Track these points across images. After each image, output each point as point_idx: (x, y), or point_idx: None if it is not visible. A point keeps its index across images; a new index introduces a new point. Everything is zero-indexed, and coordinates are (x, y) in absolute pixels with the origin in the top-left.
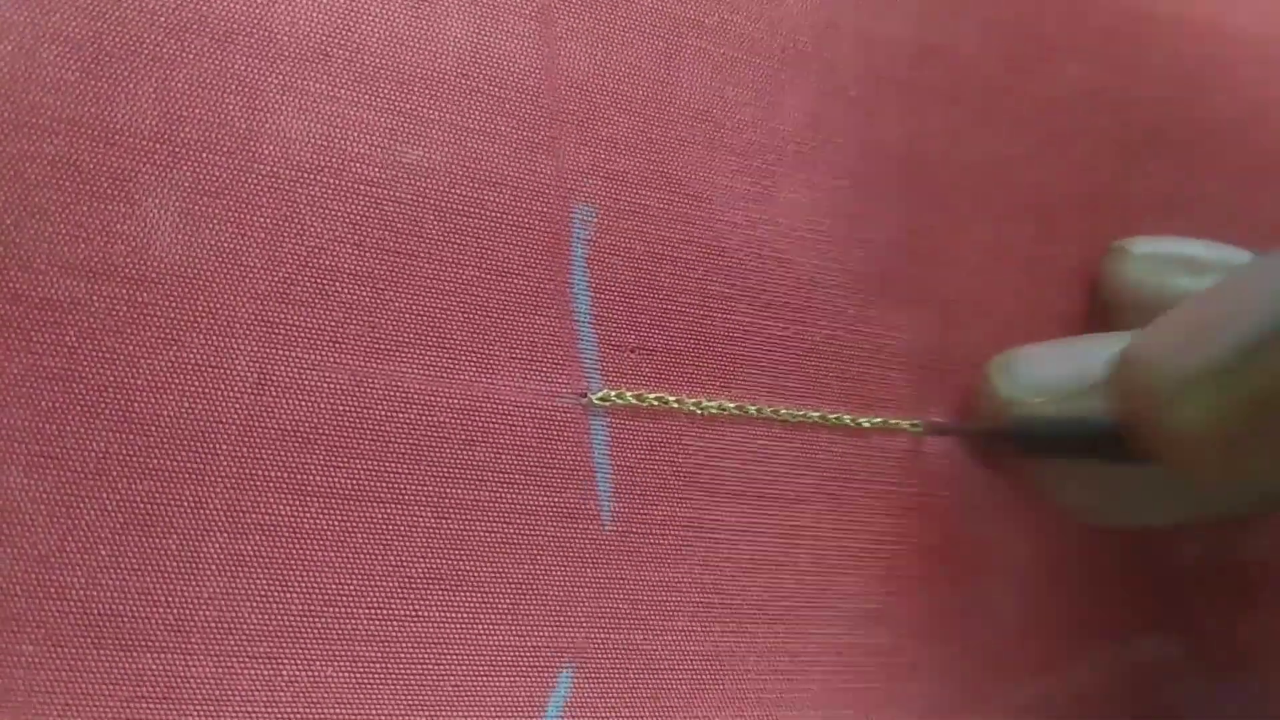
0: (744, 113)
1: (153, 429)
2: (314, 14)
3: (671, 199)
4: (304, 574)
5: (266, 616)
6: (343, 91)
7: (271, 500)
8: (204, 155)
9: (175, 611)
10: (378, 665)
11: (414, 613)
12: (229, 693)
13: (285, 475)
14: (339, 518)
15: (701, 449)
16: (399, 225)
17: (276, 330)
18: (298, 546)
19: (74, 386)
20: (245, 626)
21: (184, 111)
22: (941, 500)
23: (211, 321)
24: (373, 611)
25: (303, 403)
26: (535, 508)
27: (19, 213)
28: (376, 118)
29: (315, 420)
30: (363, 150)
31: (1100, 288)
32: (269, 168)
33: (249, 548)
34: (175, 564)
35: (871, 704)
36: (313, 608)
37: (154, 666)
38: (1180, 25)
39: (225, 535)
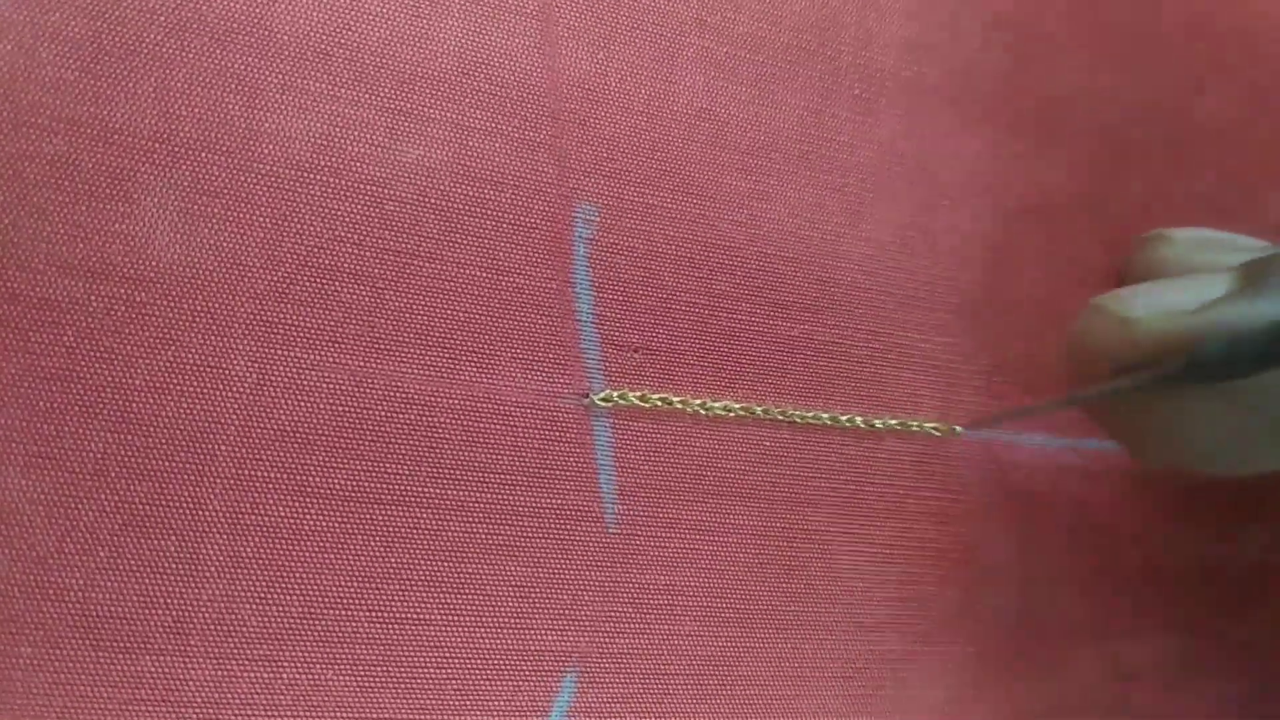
0: (746, 111)
1: (151, 429)
2: (314, 13)
3: (674, 197)
4: (304, 576)
5: (266, 619)
6: (343, 91)
7: (271, 501)
8: (203, 155)
9: (174, 613)
10: (379, 668)
11: (415, 615)
12: (228, 695)
13: (285, 476)
14: (339, 519)
15: (706, 450)
16: (399, 225)
17: (276, 330)
18: (297, 548)
19: (72, 387)
20: (244, 629)
21: (183, 111)
22: (955, 504)
23: (210, 321)
24: (373, 614)
25: (302, 403)
26: (537, 510)
27: (17, 212)
28: (376, 117)
29: (315, 421)
30: (363, 149)
31: (1133, 275)
32: (268, 167)
33: (248, 549)
34: (174, 565)
35: (880, 710)
36: (313, 610)
37: (153, 669)
38: (1180, 25)
39: (224, 536)
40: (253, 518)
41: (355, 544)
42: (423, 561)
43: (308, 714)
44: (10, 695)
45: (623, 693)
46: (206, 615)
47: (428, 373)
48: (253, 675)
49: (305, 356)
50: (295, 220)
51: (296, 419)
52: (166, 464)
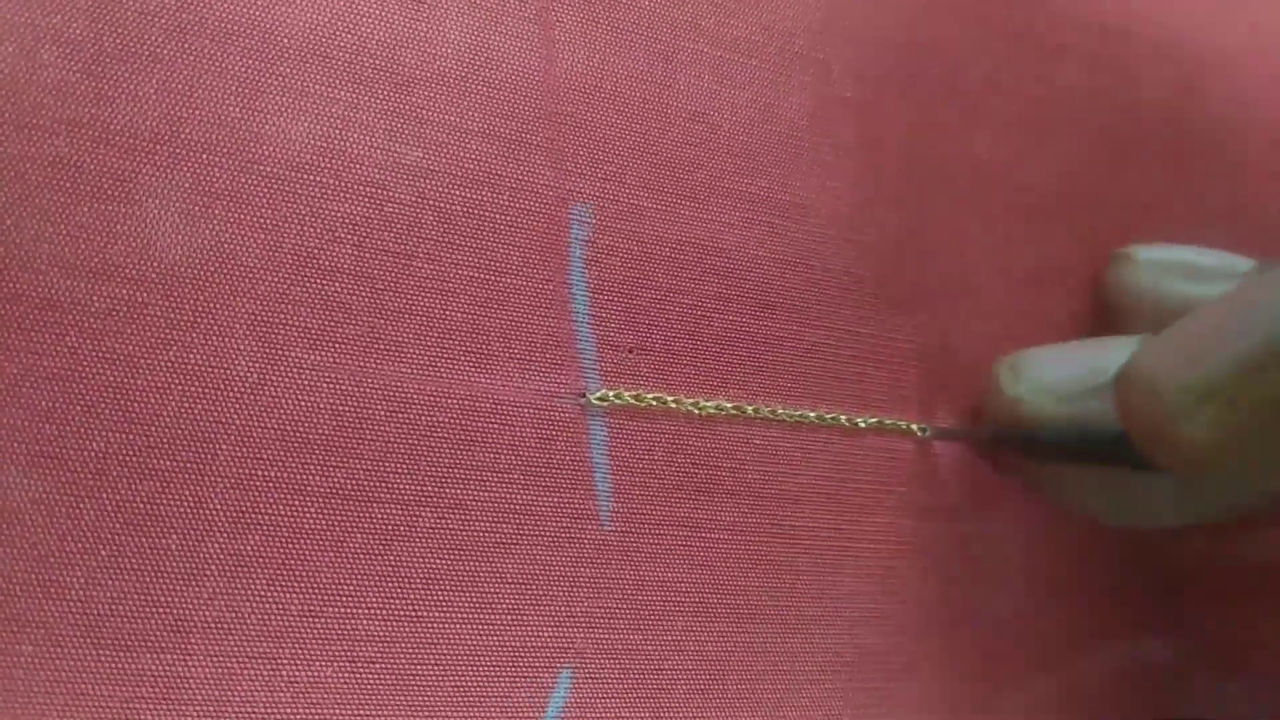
0: (741, 114)
1: (153, 429)
2: (314, 14)
3: (669, 200)
4: (303, 574)
5: (266, 617)
6: (343, 92)
7: (271, 500)
8: (204, 156)
9: (175, 612)
10: (377, 666)
11: (413, 613)
12: (229, 693)
13: (285, 475)
14: (338, 518)
15: (700, 449)
16: (399, 225)
17: (276, 330)
18: (297, 547)
19: (74, 387)
20: (245, 627)
21: (184, 112)
22: (940, 500)
23: (212, 322)
24: (372, 612)
25: (302, 403)
26: (534, 508)
27: (20, 213)
28: (376, 119)
29: (315, 420)
30: (362, 151)
31: (1103, 292)
32: (269, 168)
33: (249, 548)
34: (175, 564)
35: (869, 705)
36: (312, 608)
37: (153, 667)
38: (1176, 26)
39: (225, 535)
40: (253, 516)
41: (354, 542)
42: (421, 559)
43: (307, 711)
44: (12, 693)
45: (618, 687)
46: (207, 613)
47: (426, 372)
48: (253, 673)
49: (305, 356)
50: (296, 221)
51: (297, 418)
52: (168, 463)
